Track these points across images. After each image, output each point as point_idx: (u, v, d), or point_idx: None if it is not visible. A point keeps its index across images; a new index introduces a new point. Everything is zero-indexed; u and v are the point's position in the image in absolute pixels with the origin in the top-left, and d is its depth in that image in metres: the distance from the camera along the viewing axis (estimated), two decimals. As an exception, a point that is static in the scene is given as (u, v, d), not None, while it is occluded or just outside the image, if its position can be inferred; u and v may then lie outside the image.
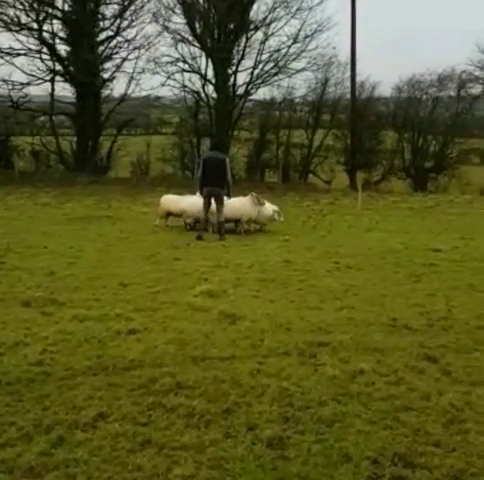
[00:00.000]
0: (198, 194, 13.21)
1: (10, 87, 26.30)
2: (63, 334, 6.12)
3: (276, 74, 27.24)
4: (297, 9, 26.49)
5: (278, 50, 26.87)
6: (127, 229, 13.79)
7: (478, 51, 30.67)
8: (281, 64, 26.88)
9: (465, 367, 5.33)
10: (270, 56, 27.07)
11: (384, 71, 62.31)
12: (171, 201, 14.27)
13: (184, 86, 27.71)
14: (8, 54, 25.73)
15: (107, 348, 5.72)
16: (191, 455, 3.80)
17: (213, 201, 12.93)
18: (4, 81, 26.10)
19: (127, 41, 26.74)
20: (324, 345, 5.85)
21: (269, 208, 13.87)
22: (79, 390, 4.72)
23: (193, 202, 13.63)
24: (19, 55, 25.97)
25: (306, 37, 26.55)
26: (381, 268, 10.08)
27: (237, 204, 13.49)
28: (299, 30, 26.63)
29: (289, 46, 26.75)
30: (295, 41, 26.57)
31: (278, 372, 5.10)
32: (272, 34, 26.93)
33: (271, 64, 27.10)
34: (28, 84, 26.52)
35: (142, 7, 26.50)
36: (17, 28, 25.43)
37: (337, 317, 6.96)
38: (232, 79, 27.44)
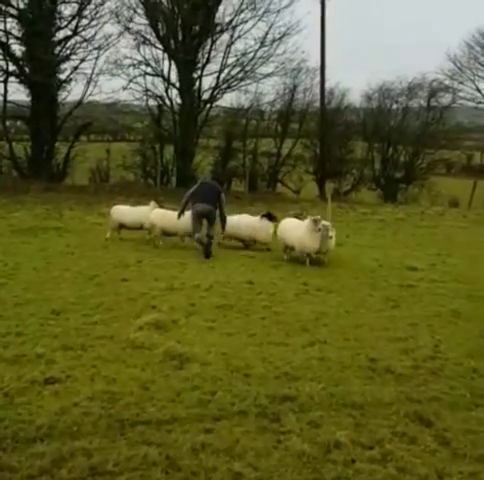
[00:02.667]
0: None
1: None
2: (-38, 385, 4.83)
3: (243, 79, 26.02)
4: (264, 11, 25.36)
5: (245, 54, 25.69)
6: (74, 243, 12.41)
7: (448, 60, 30.22)
8: (248, 68, 25.67)
9: (466, 433, 4.23)
10: (237, 60, 25.88)
11: (354, 79, 61.96)
12: (123, 212, 12.98)
13: (147, 90, 26.38)
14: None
15: (12, 407, 4.46)
16: None
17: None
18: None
19: (86, 41, 25.23)
20: (290, 400, 4.70)
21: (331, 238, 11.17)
22: (-45, 480, 3.46)
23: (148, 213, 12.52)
24: (-31, 54, 24.28)
25: (274, 41, 25.42)
26: (354, 290, 9.01)
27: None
28: (266, 33, 25.48)
29: (256, 50, 25.54)
30: (262, 44, 25.41)
31: (230, 446, 3.91)
32: (239, 37, 25.71)
33: (237, 68, 25.90)
34: (-22, 85, 24.83)
35: (102, 4, 25.05)
36: (-33, 26, 23.77)
37: (306, 357, 5.82)
38: (197, 83, 26.21)
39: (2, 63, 24.81)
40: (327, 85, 29.18)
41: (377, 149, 29.24)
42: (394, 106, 29.66)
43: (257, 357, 5.77)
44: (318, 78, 28.89)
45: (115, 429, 4.12)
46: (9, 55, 24.88)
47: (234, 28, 25.54)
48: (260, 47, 25.56)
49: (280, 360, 5.68)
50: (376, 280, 9.74)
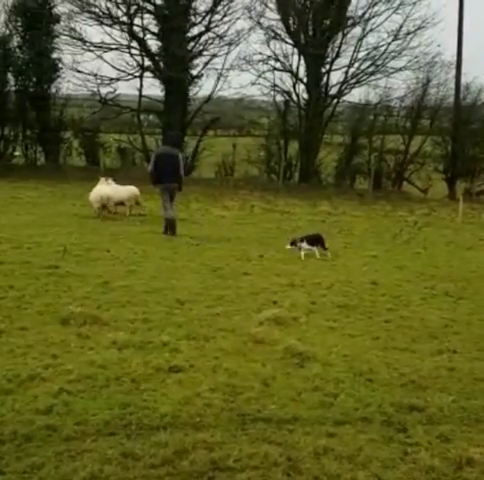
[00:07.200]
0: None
1: (99, 82, 26.07)
2: (92, 367, 5.03)
3: (373, 73, 25.46)
4: (400, 4, 24.60)
5: (376, 47, 25.13)
6: (199, 234, 12.72)
7: None
8: (379, 62, 25.10)
9: None
10: (367, 54, 25.40)
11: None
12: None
13: (274, 85, 26.54)
14: (100, 48, 25.52)
15: (138, 392, 4.57)
16: None
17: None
18: (94, 75, 25.89)
19: (218, 37, 25.84)
20: (418, 410, 4.42)
21: None
22: (82, 462, 3.54)
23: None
24: (110, 49, 25.68)
25: (408, 34, 24.62)
26: (488, 298, 8.41)
27: None
28: (401, 26, 24.74)
29: (389, 43, 24.94)
30: (396, 38, 24.73)
31: (353, 453, 3.73)
32: (371, 30, 25.24)
33: (368, 62, 25.39)
34: (117, 79, 26.21)
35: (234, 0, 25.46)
36: (109, 22, 25.14)
37: (434, 365, 5.48)
38: (325, 78, 25.99)
39: (138, 58, 26.05)
40: (463, 80, 27.77)
41: (516, 147, 27.33)
42: None
43: (381, 362, 5.52)
44: (453, 72, 27.56)
45: (236, 424, 4.09)
46: (145, 51, 26.05)
47: (367, 21, 25.06)
48: (393, 40, 24.89)
49: (406, 367, 5.40)
50: (514, 288, 9.06)
